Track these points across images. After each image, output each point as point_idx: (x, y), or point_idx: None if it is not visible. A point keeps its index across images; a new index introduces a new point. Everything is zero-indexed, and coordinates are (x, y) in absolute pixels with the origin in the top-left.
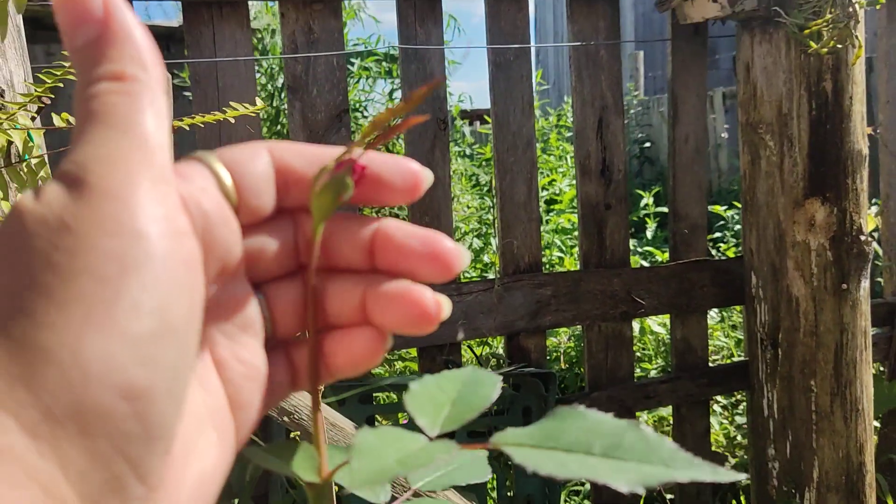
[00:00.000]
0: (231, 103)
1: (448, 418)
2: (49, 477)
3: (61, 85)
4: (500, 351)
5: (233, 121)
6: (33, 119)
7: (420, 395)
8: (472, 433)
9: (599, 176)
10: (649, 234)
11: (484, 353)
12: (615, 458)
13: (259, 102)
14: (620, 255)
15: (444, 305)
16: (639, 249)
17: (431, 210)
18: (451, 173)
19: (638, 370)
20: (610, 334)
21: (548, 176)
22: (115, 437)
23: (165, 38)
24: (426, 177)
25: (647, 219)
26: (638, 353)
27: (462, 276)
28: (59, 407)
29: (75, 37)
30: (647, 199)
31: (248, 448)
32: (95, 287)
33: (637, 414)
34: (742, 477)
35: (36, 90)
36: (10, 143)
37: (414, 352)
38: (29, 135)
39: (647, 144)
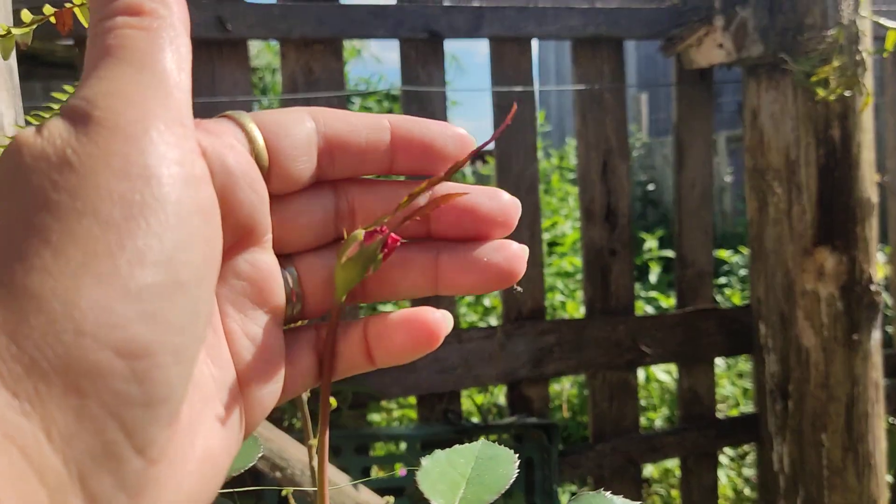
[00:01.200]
0: None
1: (464, 499)
2: (31, 439)
3: None
4: (502, 399)
5: None
6: None
7: (432, 473)
8: None
9: (604, 221)
10: (653, 278)
11: (484, 403)
12: None
13: None
14: (625, 301)
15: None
16: (643, 294)
17: None
18: None
19: (643, 419)
20: (615, 383)
21: (550, 218)
22: (108, 399)
23: None
24: (471, 139)
25: (650, 262)
26: (643, 402)
27: (462, 322)
28: (45, 360)
29: None
30: (652, 243)
31: None
32: (97, 231)
33: (642, 465)
34: None
35: None
36: None
37: (413, 400)
38: None
39: (651, 187)
